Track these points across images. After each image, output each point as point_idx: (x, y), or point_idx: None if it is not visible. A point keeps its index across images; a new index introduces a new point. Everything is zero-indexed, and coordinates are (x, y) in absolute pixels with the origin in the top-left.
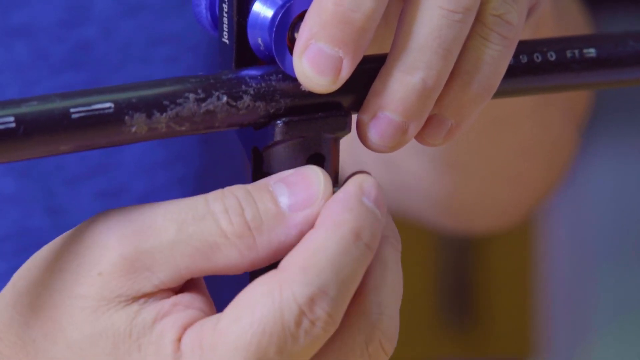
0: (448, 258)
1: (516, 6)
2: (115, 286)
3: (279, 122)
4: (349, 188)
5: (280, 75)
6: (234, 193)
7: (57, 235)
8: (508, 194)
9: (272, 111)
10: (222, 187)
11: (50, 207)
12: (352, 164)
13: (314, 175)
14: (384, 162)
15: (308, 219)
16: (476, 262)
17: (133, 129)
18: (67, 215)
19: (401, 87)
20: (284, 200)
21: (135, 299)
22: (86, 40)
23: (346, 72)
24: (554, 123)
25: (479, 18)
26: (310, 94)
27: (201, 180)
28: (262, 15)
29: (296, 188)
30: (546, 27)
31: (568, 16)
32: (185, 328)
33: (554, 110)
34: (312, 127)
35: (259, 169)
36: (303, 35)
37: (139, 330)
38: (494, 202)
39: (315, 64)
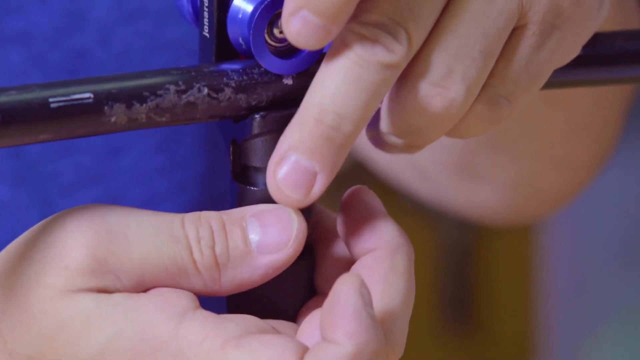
0: (449, 262)
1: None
2: (79, 281)
3: (257, 115)
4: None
5: (262, 69)
6: (210, 222)
7: None
8: (561, 175)
9: (253, 104)
10: (222, 194)
11: (46, 214)
12: (411, 167)
13: (289, 221)
14: (454, 164)
15: (274, 264)
16: (477, 266)
17: (112, 119)
18: None
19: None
20: (254, 239)
21: (100, 291)
22: (83, 47)
23: (319, 188)
24: (603, 104)
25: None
26: (291, 89)
27: (201, 186)
28: (242, 11)
29: (269, 229)
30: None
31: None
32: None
33: (603, 92)
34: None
35: (237, 162)
36: (282, 146)
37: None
38: (548, 185)
39: (289, 177)
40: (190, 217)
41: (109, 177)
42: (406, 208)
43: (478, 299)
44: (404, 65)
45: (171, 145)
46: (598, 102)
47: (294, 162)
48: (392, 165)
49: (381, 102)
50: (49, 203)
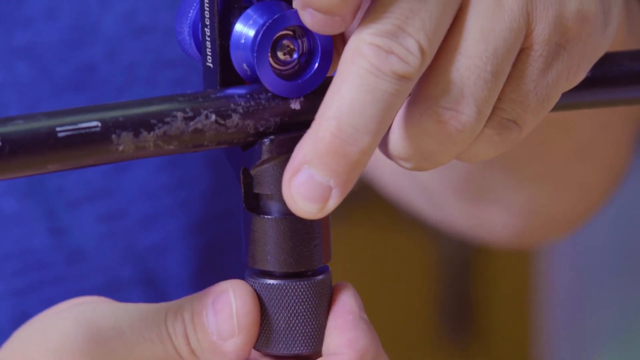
0: (449, 275)
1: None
2: None
3: (266, 140)
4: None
5: (269, 94)
6: (183, 315)
7: (59, 255)
8: (571, 199)
9: (261, 129)
10: (226, 212)
11: (52, 227)
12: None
13: (229, 306)
14: (460, 186)
15: (239, 347)
16: (477, 279)
17: (120, 148)
18: (69, 237)
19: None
20: (213, 330)
21: None
22: (90, 61)
23: (334, 203)
24: (612, 127)
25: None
26: (299, 112)
27: (204, 204)
28: (244, 36)
29: (219, 317)
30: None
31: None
32: None
33: (613, 114)
34: None
35: (250, 191)
36: (296, 158)
37: None
38: (556, 209)
39: (304, 190)
40: (171, 315)
41: (114, 193)
42: (407, 220)
43: (477, 312)
44: (416, 78)
45: (176, 163)
46: (606, 126)
47: (309, 176)
48: (398, 187)
49: (393, 120)
50: (55, 217)
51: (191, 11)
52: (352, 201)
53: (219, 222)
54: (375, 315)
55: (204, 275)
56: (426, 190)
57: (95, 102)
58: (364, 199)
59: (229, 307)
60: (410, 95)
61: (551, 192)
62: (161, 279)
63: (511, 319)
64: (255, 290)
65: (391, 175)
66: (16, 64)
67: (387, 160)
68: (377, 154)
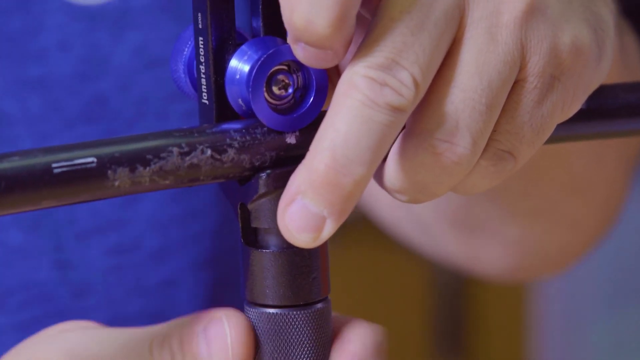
0: (443, 297)
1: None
2: None
3: (262, 174)
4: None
5: (264, 129)
6: (171, 344)
7: (64, 289)
8: (565, 236)
9: (257, 164)
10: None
11: (58, 260)
12: (413, 221)
13: (224, 336)
14: (455, 219)
15: None
16: (470, 300)
17: (116, 183)
18: (76, 270)
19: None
20: (205, 357)
21: None
22: (102, 93)
23: (328, 232)
24: (607, 163)
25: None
26: (295, 146)
27: (214, 238)
28: (239, 71)
29: (213, 347)
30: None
31: (631, 57)
32: None
33: (607, 150)
34: None
35: (247, 226)
36: (291, 189)
37: None
38: (551, 245)
39: (297, 220)
40: (157, 341)
41: (125, 224)
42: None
43: (471, 334)
44: (410, 110)
45: (187, 194)
46: (600, 163)
47: (302, 206)
48: (394, 219)
49: (388, 152)
50: (63, 249)
51: (186, 49)
52: (346, 223)
53: (230, 256)
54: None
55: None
56: (422, 222)
57: (107, 135)
58: (358, 220)
59: (223, 337)
60: (405, 128)
61: (545, 228)
62: (169, 314)
63: (505, 341)
64: (250, 320)
65: (387, 207)
66: (28, 96)
67: (383, 192)
68: (373, 186)
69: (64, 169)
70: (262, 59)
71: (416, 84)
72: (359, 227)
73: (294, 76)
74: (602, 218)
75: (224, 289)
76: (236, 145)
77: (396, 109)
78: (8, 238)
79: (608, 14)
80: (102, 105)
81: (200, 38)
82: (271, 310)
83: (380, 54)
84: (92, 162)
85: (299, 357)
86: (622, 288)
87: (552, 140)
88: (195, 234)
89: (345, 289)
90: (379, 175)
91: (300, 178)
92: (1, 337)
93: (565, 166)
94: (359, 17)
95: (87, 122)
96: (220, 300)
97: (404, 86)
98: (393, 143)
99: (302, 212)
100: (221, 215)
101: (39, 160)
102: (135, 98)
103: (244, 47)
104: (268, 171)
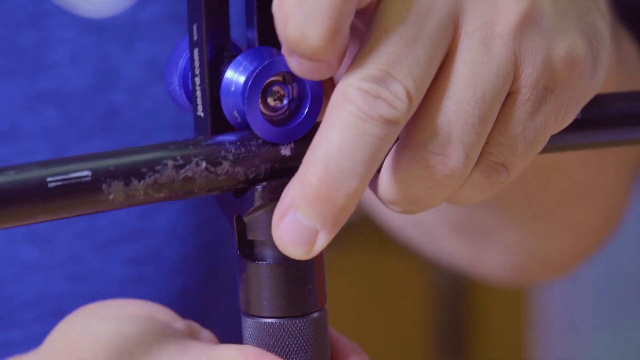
0: (442, 299)
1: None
2: None
3: (258, 187)
4: None
5: (259, 141)
6: None
7: (80, 302)
8: (566, 241)
9: (251, 176)
10: None
11: (73, 273)
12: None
13: None
14: (456, 223)
15: None
16: (470, 303)
17: (111, 197)
18: (91, 282)
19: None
20: None
21: None
22: (115, 105)
23: (320, 245)
24: (608, 171)
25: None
26: (290, 158)
27: (229, 245)
28: (234, 83)
29: None
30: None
31: (629, 64)
32: None
33: (607, 159)
34: None
35: (243, 238)
36: (284, 201)
37: None
38: (552, 250)
39: (290, 233)
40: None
41: (145, 235)
42: (401, 246)
43: (471, 337)
44: (404, 122)
45: (202, 204)
46: (600, 170)
47: (295, 219)
48: (398, 223)
49: (381, 164)
50: (78, 261)
51: (181, 61)
52: (346, 226)
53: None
54: (369, 340)
55: (227, 320)
56: (424, 226)
57: (122, 146)
58: (358, 223)
59: None
60: (398, 140)
61: (546, 233)
62: None
63: (505, 344)
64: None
65: (392, 213)
66: (42, 109)
67: None
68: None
69: (59, 183)
70: (257, 70)
71: (409, 96)
72: (359, 230)
73: (289, 87)
74: (604, 224)
75: (236, 298)
76: (231, 157)
77: (389, 122)
78: (21, 252)
79: (603, 24)
80: (116, 117)
81: (196, 49)
82: (268, 320)
83: (373, 66)
84: (87, 176)
85: None
86: (623, 290)
87: (546, 150)
88: (208, 243)
89: (345, 291)
90: (373, 185)
91: (294, 191)
92: (16, 351)
93: (565, 174)
94: (354, 28)
95: (102, 133)
96: (234, 308)
97: (397, 99)
98: (387, 155)
99: (294, 225)
100: (228, 226)
101: (34, 174)
102: (148, 109)
103: (239, 57)
104: (263, 183)
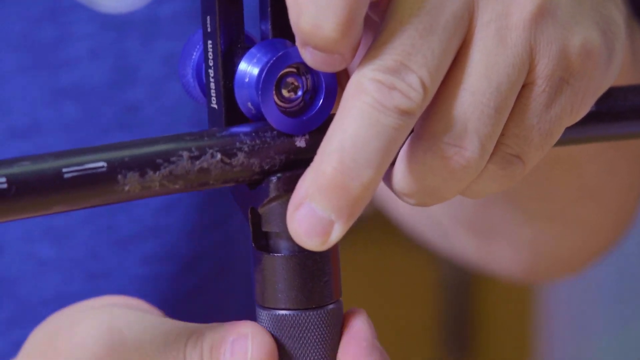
0: (449, 294)
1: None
2: None
3: (273, 178)
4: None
5: (274, 132)
6: (202, 346)
7: None
8: (578, 239)
9: (266, 168)
10: None
11: (91, 271)
12: (427, 220)
13: (245, 350)
14: (469, 220)
15: None
16: (477, 298)
17: (126, 188)
18: (109, 280)
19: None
20: None
21: None
22: (134, 101)
23: (336, 236)
24: (620, 170)
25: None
26: (305, 149)
27: (243, 240)
28: (248, 75)
29: (235, 357)
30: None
31: None
32: None
33: (620, 156)
34: None
35: (258, 230)
36: (299, 192)
37: None
38: (565, 248)
39: (305, 224)
40: (192, 340)
41: (163, 231)
42: (408, 241)
43: (478, 332)
44: (419, 113)
45: (218, 200)
46: (613, 168)
47: (310, 210)
48: (412, 219)
49: (396, 156)
50: (99, 258)
51: (194, 53)
52: (354, 222)
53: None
54: (377, 334)
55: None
56: (436, 222)
57: None
58: (366, 218)
59: (244, 353)
60: (413, 131)
61: (557, 231)
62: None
63: (512, 340)
64: (273, 341)
65: (402, 205)
66: (62, 105)
67: None
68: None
69: (75, 174)
70: (271, 61)
71: (424, 87)
72: (367, 225)
73: (303, 78)
74: (616, 223)
75: (250, 293)
76: (246, 149)
77: (404, 113)
78: (39, 250)
79: (619, 16)
80: (135, 113)
81: (209, 42)
82: (284, 312)
83: (388, 57)
84: (103, 167)
85: (312, 358)
86: (630, 288)
87: (561, 142)
88: (221, 241)
89: (353, 286)
90: (387, 178)
91: (308, 181)
92: None
93: (577, 172)
94: (368, 20)
95: (121, 129)
96: (246, 304)
97: (413, 90)
98: (401, 146)
99: (310, 216)
100: (241, 222)
101: (50, 165)
102: (167, 106)
103: (253, 49)
104: (278, 175)
